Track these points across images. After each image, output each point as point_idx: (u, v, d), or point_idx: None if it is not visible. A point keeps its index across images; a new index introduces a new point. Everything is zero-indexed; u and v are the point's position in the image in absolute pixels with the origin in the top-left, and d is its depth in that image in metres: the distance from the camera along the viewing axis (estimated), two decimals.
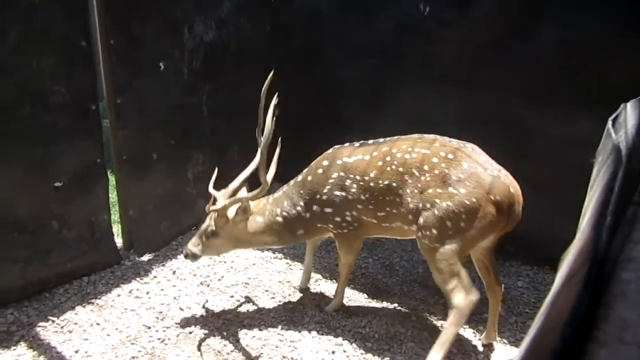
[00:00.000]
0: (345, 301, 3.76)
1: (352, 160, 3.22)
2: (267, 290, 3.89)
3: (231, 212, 3.32)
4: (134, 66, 3.95)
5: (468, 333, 3.47)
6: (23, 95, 3.33)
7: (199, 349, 3.22)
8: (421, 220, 2.85)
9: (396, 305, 3.74)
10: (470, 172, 2.78)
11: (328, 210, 3.21)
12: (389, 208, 3.04)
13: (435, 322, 3.57)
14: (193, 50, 4.33)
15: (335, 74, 4.90)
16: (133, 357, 3.13)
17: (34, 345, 3.17)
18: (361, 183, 3.09)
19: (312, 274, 4.09)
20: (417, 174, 2.89)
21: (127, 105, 3.94)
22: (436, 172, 2.83)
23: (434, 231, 2.81)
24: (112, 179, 4.25)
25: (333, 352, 3.24)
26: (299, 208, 3.35)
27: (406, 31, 4.35)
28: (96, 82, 3.80)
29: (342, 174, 3.19)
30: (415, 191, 2.87)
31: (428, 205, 2.81)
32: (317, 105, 5.12)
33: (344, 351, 3.25)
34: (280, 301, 3.76)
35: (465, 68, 4.13)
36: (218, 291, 3.85)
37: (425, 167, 2.87)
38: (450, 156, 2.88)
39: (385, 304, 3.75)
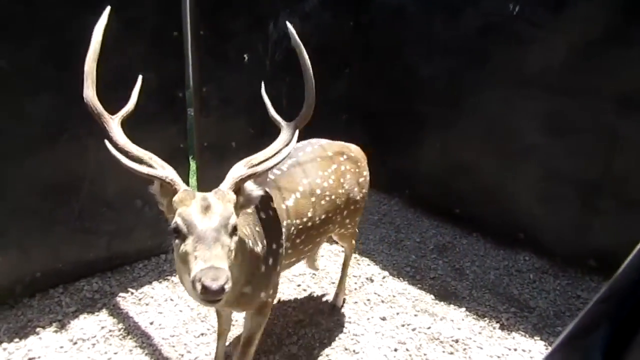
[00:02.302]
0: (412, 301, 3.73)
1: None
2: (333, 283, 3.92)
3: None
4: (220, 57, 4.11)
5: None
6: (118, 80, 3.55)
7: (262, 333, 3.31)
8: (349, 219, 3.13)
9: (464, 309, 3.65)
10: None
11: None
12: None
13: (504, 331, 3.45)
14: (276, 43, 4.43)
15: (415, 72, 4.84)
16: (202, 334, 3.27)
17: (114, 314, 3.39)
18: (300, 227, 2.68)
19: (379, 271, 4.08)
20: (341, 192, 2.93)
21: (212, 94, 4.11)
22: (348, 176, 3.00)
23: (357, 220, 3.29)
24: (192, 165, 4.45)
25: (395, 350, 3.22)
26: None
27: (492, 31, 4.21)
28: (184, 71, 4.00)
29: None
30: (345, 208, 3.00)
31: (353, 208, 3.08)
32: (395, 102, 5.08)
33: (407, 350, 3.22)
34: (346, 294, 3.78)
35: (554, 72, 3.93)
36: (286, 279, 3.93)
37: (341, 180, 2.94)
38: (345, 157, 3.08)
39: (452, 308, 3.67)
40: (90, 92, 2.15)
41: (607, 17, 3.66)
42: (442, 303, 3.73)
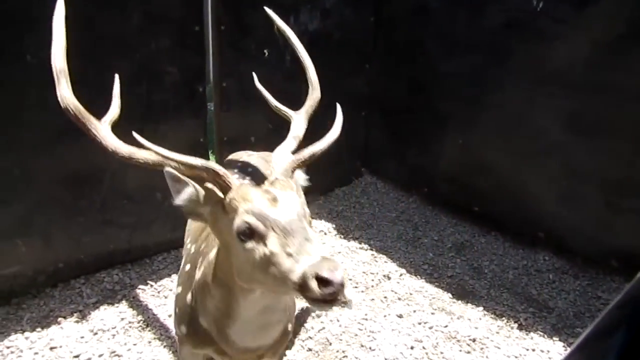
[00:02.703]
0: (429, 299, 3.71)
1: None
2: (350, 279, 3.93)
3: None
4: (241, 52, 4.13)
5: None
6: (141, 74, 3.60)
7: None
8: None
9: (482, 308, 3.62)
10: None
11: None
12: None
13: (522, 331, 3.41)
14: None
15: (436, 69, 4.80)
16: None
17: (134, 305, 3.44)
18: None
19: (396, 268, 4.08)
20: None
21: (232, 89, 4.14)
22: None
23: None
24: (211, 159, 4.48)
25: (412, 348, 3.21)
26: None
27: (515, 27, 4.15)
28: (205, 65, 4.03)
29: None
30: None
31: None
32: (416, 99, 5.05)
33: (423, 348, 3.21)
34: (362, 291, 3.78)
35: (577, 69, 3.86)
36: None
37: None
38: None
39: (470, 306, 3.65)
40: (67, 93, 1.73)
41: (631, 13, 3.57)
42: (459, 302, 3.71)
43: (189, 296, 1.92)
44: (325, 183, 5.19)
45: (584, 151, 3.92)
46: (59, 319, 3.29)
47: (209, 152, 4.26)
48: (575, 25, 3.82)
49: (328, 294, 1.27)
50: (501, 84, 4.33)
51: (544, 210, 4.25)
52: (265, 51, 4.24)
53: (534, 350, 3.24)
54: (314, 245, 1.37)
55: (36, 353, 3.02)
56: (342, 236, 4.55)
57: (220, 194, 1.55)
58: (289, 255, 1.35)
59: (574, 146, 3.97)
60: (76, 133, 3.36)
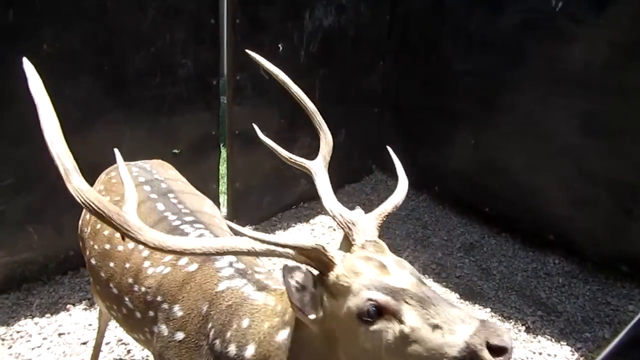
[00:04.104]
0: None
1: None
2: None
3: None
4: (255, 45, 4.07)
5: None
6: (156, 66, 3.62)
7: None
8: None
9: (489, 310, 3.61)
10: None
11: None
12: None
13: (529, 334, 3.39)
14: (311, 34, 4.43)
15: (451, 68, 4.76)
16: None
17: None
18: None
19: None
20: None
21: (245, 83, 4.14)
22: None
23: None
24: (223, 152, 4.49)
25: None
26: None
27: (533, 27, 4.10)
28: (219, 58, 4.04)
29: None
30: None
31: None
32: (429, 97, 5.02)
33: None
34: None
35: (594, 71, 3.81)
36: None
37: None
38: None
39: (477, 307, 3.64)
40: (83, 184, 1.33)
41: None
42: (467, 302, 3.69)
43: None
44: (335, 179, 5.09)
45: (598, 154, 3.88)
46: (68, 305, 3.33)
47: (221, 145, 4.27)
48: (593, 26, 3.77)
49: None
50: (516, 84, 4.29)
51: (556, 213, 4.21)
52: (280, 45, 4.24)
53: (540, 353, 3.22)
54: (462, 311, 1.16)
55: (45, 338, 3.06)
56: None
57: (316, 272, 1.30)
58: (437, 327, 1.12)
59: (588, 148, 3.93)
60: (90, 125, 3.41)
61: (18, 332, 3.10)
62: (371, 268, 1.23)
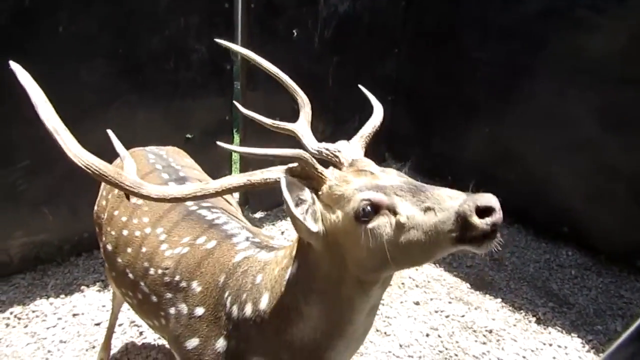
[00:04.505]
0: (446, 288, 3.70)
1: None
2: None
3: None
4: (270, 31, 4.11)
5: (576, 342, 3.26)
6: (170, 50, 3.62)
7: None
8: None
9: (500, 300, 3.59)
10: None
11: None
12: None
13: (540, 325, 3.38)
14: (326, 20, 4.39)
15: (467, 56, 4.70)
16: None
17: None
18: None
19: None
20: None
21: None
22: None
23: None
24: (236, 138, 4.50)
25: (427, 335, 3.21)
26: None
27: (552, 16, 4.03)
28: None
29: None
30: None
31: None
32: (444, 86, 4.97)
33: (439, 336, 3.21)
34: None
35: (614, 62, 3.73)
36: None
37: None
38: None
39: (488, 298, 3.63)
40: (79, 150, 1.36)
41: None
42: (477, 292, 3.68)
43: (221, 342, 1.57)
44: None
45: (615, 147, 3.82)
46: (82, 287, 3.38)
47: (234, 131, 4.27)
48: (614, 16, 3.70)
49: (494, 222, 1.10)
50: (533, 74, 4.23)
51: (570, 205, 4.17)
52: (294, 31, 4.22)
53: (551, 345, 3.21)
54: (449, 189, 1.21)
55: (59, 318, 3.12)
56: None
57: (311, 189, 1.33)
58: (429, 209, 1.17)
59: (605, 141, 3.87)
60: (105, 107, 3.43)
61: (34, 311, 3.15)
62: (361, 177, 1.29)
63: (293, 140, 1.74)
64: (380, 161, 5.50)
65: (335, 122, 4.67)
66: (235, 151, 1.35)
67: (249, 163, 4.40)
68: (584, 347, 3.22)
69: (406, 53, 5.20)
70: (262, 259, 1.59)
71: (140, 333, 3.08)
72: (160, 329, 1.87)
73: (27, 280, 3.39)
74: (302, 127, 1.74)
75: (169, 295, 1.75)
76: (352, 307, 1.37)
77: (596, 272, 3.96)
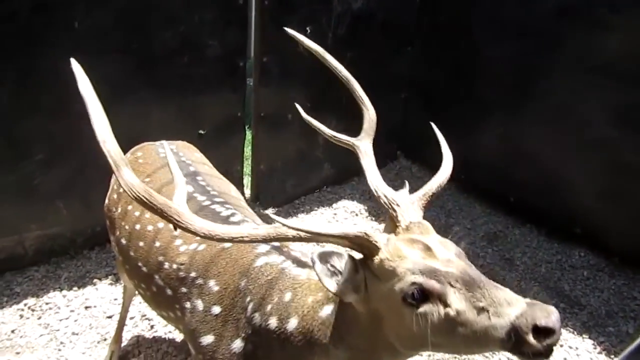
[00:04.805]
0: None
1: None
2: None
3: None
4: (283, 28, 4.10)
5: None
6: (184, 46, 3.64)
7: None
8: None
9: None
10: None
11: None
12: None
13: None
14: (340, 16, 4.38)
15: (481, 54, 4.67)
16: None
17: None
18: None
19: None
20: None
21: (272, 65, 4.14)
22: None
23: None
24: (248, 134, 4.51)
25: None
26: None
27: (568, 14, 3.98)
28: (246, 40, 4.04)
29: None
30: None
31: None
32: (458, 84, 4.94)
33: None
34: None
35: (631, 62, 3.68)
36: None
37: None
38: None
39: None
40: (134, 180, 1.32)
41: None
42: None
43: (238, 343, 1.57)
44: (359, 164, 5.17)
45: (631, 147, 3.77)
46: (94, 280, 3.42)
47: (246, 127, 4.29)
48: (632, 16, 3.65)
49: (550, 345, 1.06)
50: (548, 73, 4.19)
51: (584, 206, 4.12)
52: (308, 28, 4.21)
53: (562, 346, 3.19)
54: (507, 291, 1.14)
55: (72, 311, 3.16)
56: (373, 218, 4.54)
57: (360, 256, 1.30)
58: (482, 310, 1.11)
59: (621, 141, 3.82)
60: (120, 103, 3.45)
61: (47, 303, 3.20)
62: (415, 251, 1.23)
63: (313, 140, 1.74)
64: (392, 159, 5.49)
65: (347, 118, 4.64)
66: (301, 230, 1.27)
67: (260, 162, 4.41)
68: (595, 348, 3.19)
69: (420, 50, 5.17)
70: (292, 274, 1.58)
71: (152, 326, 3.10)
72: (175, 320, 1.88)
73: (41, 273, 3.44)
74: (364, 145, 1.70)
75: (184, 289, 1.76)
76: None
77: (609, 273, 3.92)
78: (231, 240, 1.30)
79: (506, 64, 4.48)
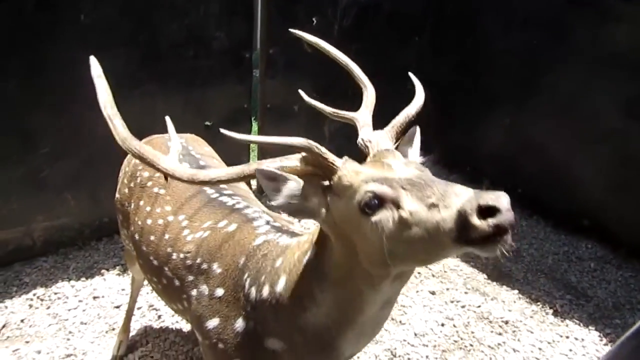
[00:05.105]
0: (463, 278, 3.69)
1: None
2: None
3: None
4: (289, 19, 4.10)
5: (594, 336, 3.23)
6: (190, 38, 3.64)
7: None
8: None
9: (517, 292, 3.57)
10: None
11: None
12: None
13: (557, 317, 3.36)
14: (346, 8, 4.36)
15: (490, 45, 4.64)
16: None
17: None
18: None
19: None
20: None
21: (278, 56, 4.13)
22: None
23: None
24: (255, 126, 4.52)
25: (442, 325, 3.21)
26: None
27: (578, 5, 3.94)
28: (252, 31, 4.03)
29: None
30: None
31: None
32: (465, 75, 4.91)
33: (454, 326, 3.21)
34: None
35: None
36: None
37: None
38: None
39: (505, 289, 3.61)
40: (126, 134, 1.49)
41: None
42: (494, 283, 3.67)
43: (240, 322, 1.59)
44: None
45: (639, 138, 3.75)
46: (102, 270, 3.45)
47: (252, 119, 4.29)
48: None
49: (497, 225, 1.01)
50: (557, 64, 4.15)
51: (592, 198, 4.10)
52: (314, 19, 4.20)
53: (567, 337, 3.19)
54: (458, 186, 1.11)
55: (80, 301, 3.19)
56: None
57: (322, 180, 1.32)
58: (433, 205, 1.09)
59: (630, 133, 3.80)
60: (126, 95, 3.46)
61: (56, 293, 3.23)
62: (374, 167, 1.25)
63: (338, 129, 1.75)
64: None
65: (354, 110, 4.66)
66: (241, 140, 1.42)
67: (267, 151, 4.41)
68: (601, 340, 3.19)
69: (427, 42, 5.14)
70: (283, 243, 1.61)
71: (159, 317, 3.13)
72: (184, 312, 1.91)
73: (50, 263, 3.47)
74: (362, 116, 1.71)
75: (190, 277, 1.78)
76: (362, 299, 1.36)
77: (616, 265, 3.91)
78: (210, 180, 1.35)
79: (514, 55, 4.44)
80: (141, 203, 2.13)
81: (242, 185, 2.31)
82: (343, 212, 1.26)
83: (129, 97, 3.48)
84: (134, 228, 2.12)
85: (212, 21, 3.68)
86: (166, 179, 1.42)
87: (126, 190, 2.27)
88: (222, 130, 1.42)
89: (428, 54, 5.16)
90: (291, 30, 2.12)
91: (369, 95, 1.82)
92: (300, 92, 1.94)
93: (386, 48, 4.81)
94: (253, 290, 1.56)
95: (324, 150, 1.30)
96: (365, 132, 1.51)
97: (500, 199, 1.01)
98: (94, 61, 1.63)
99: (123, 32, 3.36)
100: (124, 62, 3.38)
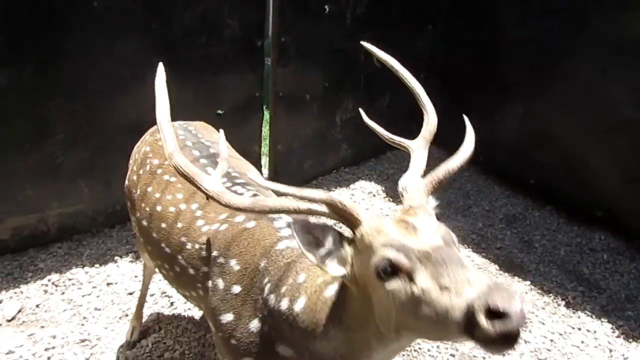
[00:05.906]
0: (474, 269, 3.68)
1: None
2: None
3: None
4: (301, 7, 4.07)
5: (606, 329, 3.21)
6: (202, 26, 3.63)
7: None
8: None
9: (529, 283, 3.56)
10: None
11: None
12: None
13: (569, 309, 3.34)
14: None
15: (504, 34, 4.58)
16: None
17: None
18: None
19: None
20: None
21: (290, 44, 4.11)
22: None
23: None
24: (266, 114, 4.51)
25: None
26: None
27: None
28: (264, 19, 4.01)
29: None
30: None
31: None
32: (479, 64, 4.85)
33: None
34: None
35: None
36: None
37: None
38: None
39: (516, 280, 3.59)
40: (177, 154, 1.51)
41: None
42: (506, 274, 3.65)
43: (255, 323, 1.60)
44: (377, 145, 5.11)
45: None
46: (116, 257, 3.48)
47: (264, 107, 4.29)
48: None
49: (503, 332, 0.95)
50: (573, 53, 4.08)
51: (606, 189, 4.06)
52: (326, 7, 4.17)
53: (579, 329, 3.18)
54: (475, 272, 1.07)
55: (94, 287, 3.23)
56: (390, 199, 4.54)
57: (346, 231, 1.31)
58: (445, 289, 1.06)
59: None
60: (139, 82, 3.47)
61: (70, 279, 3.28)
62: (397, 228, 1.22)
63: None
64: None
65: (365, 100, 4.63)
66: (267, 188, 1.49)
67: (278, 141, 4.41)
68: (613, 332, 3.17)
69: (440, 30, 5.09)
70: None
71: (171, 303, 3.16)
72: (197, 299, 1.92)
73: (64, 250, 3.52)
74: (417, 147, 1.69)
75: (205, 269, 1.79)
76: (371, 347, 1.37)
77: (629, 257, 3.87)
78: (251, 210, 1.34)
79: (529, 44, 4.38)
80: (149, 189, 2.13)
81: (252, 172, 2.29)
82: (361, 269, 1.26)
83: (141, 84, 3.47)
84: (141, 214, 2.13)
85: (224, 9, 3.67)
86: (207, 198, 1.42)
87: (135, 177, 2.29)
88: (251, 177, 1.50)
89: (442, 42, 5.11)
90: (362, 43, 2.14)
91: (430, 122, 1.79)
92: (361, 111, 1.88)
93: (399, 37, 4.75)
94: (272, 298, 1.56)
95: (348, 204, 1.29)
96: (406, 178, 1.45)
97: (512, 302, 0.96)
98: (160, 69, 1.68)
99: (136, 20, 3.36)
100: (137, 48, 3.38)
